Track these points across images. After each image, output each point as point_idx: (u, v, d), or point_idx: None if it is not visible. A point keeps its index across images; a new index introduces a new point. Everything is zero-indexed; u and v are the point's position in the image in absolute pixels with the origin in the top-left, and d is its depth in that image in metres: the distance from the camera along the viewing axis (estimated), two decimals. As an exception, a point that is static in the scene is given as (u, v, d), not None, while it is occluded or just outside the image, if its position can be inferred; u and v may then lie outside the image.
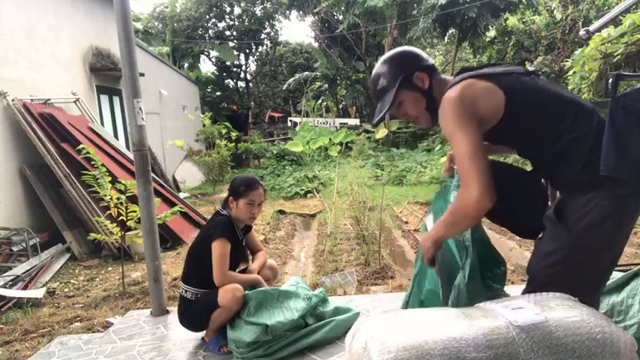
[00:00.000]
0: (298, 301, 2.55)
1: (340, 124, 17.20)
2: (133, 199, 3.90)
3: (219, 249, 2.44)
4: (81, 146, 5.00)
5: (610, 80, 1.46)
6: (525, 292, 1.55)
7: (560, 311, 1.22)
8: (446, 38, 16.00)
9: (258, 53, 23.18)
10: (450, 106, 1.48)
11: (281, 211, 8.20)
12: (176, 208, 4.81)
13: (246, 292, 2.44)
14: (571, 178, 1.52)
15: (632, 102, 1.38)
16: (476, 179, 1.41)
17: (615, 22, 6.30)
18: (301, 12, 20.43)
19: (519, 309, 1.23)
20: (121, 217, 4.23)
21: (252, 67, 23.96)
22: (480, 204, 1.41)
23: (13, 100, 5.60)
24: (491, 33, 15.76)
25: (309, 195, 9.92)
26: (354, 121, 17.79)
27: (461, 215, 1.48)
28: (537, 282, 1.54)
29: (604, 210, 1.43)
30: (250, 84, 23.06)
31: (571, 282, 1.47)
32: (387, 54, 1.75)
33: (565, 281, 1.47)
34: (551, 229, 1.57)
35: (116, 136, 8.44)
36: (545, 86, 1.58)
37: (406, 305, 1.96)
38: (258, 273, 2.67)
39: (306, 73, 19.93)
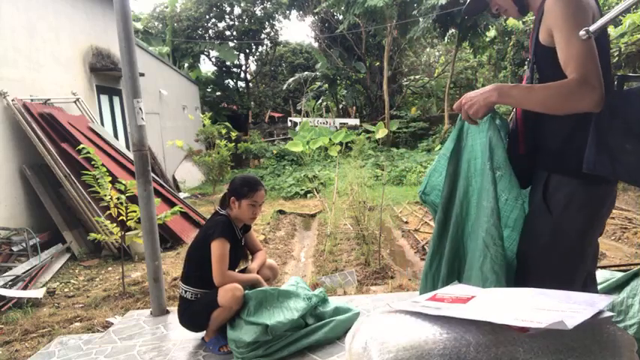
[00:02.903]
0: (298, 301, 2.55)
1: (340, 124, 17.19)
2: (133, 199, 3.91)
3: (219, 249, 2.44)
4: (81, 146, 5.01)
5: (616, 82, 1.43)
6: (519, 279, 1.55)
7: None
8: (446, 38, 15.97)
9: (258, 53, 23.18)
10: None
11: (281, 211, 8.20)
12: (176, 208, 4.81)
13: (246, 291, 2.44)
14: (560, 157, 1.46)
15: (619, 104, 1.32)
16: (597, 78, 1.29)
17: (615, 22, 6.31)
18: (301, 12, 20.40)
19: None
20: (121, 217, 4.23)
21: (252, 67, 23.98)
22: (594, 99, 1.28)
23: (13, 100, 5.60)
24: (492, 33, 15.75)
25: (309, 195, 9.92)
26: (354, 121, 17.78)
27: (563, 95, 1.32)
28: (526, 269, 1.55)
29: (580, 196, 1.43)
30: (250, 84, 23.05)
31: (551, 268, 1.48)
32: None
33: (546, 267, 1.48)
34: (537, 212, 1.55)
35: (116, 136, 8.44)
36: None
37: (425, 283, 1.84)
38: (257, 272, 2.67)
39: (306, 73, 19.91)
